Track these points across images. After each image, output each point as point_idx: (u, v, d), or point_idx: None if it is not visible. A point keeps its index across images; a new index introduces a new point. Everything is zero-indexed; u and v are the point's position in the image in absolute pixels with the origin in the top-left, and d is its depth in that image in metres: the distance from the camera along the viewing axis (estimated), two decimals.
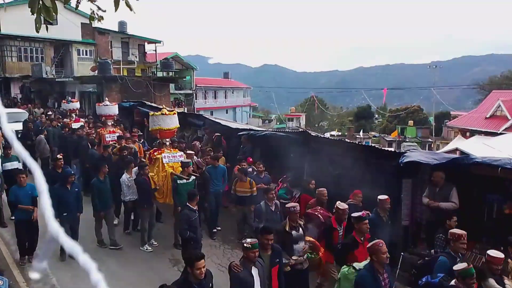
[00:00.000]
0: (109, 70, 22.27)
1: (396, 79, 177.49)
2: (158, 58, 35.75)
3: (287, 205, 6.04)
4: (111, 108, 12.72)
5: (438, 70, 52.89)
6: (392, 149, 14.78)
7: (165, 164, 8.63)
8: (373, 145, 12.36)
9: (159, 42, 35.44)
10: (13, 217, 7.93)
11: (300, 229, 5.78)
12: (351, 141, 11.88)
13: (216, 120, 14.17)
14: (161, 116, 8.78)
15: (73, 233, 7.44)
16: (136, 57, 34.45)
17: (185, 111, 28.30)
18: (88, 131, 12.98)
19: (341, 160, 9.01)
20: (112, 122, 12.95)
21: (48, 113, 18.70)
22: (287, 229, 5.66)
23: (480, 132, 28.97)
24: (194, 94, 42.92)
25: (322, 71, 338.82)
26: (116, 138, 11.61)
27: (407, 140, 48.18)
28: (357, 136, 50.62)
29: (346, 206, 6.18)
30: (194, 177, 8.38)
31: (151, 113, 9.14)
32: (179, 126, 9.39)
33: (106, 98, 13.44)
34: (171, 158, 8.80)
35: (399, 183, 7.63)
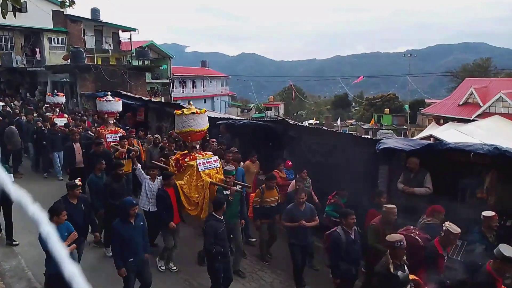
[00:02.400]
0: (82, 59, 21.65)
1: (373, 68, 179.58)
2: (133, 46, 34.94)
3: (388, 238, 4.69)
4: (114, 104, 10.95)
5: (413, 59, 53.78)
6: (369, 137, 15.01)
7: (201, 172, 7.13)
8: (350, 132, 12.51)
9: (134, 30, 34.64)
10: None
11: (406, 268, 4.56)
12: (329, 129, 11.96)
13: None
14: (191, 115, 7.21)
15: (144, 285, 5.84)
16: (110, 45, 33.57)
17: (162, 101, 27.86)
18: (73, 128, 11.74)
19: (319, 148, 9.15)
20: (114, 121, 11.32)
21: (15, 103, 18.01)
22: (391, 270, 4.42)
23: (453, 119, 29.76)
24: (171, 84, 42.24)
25: (300, 59, 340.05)
26: (118, 139, 10.29)
27: (383, 128, 49.11)
28: (335, 124, 51.21)
29: (459, 230, 5.02)
30: (239, 187, 7.03)
31: (178, 112, 7.37)
32: (209, 125, 7.76)
33: (109, 93, 11.60)
34: (207, 164, 7.30)
35: (376, 169, 7.77)
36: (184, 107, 8.55)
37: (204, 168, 7.21)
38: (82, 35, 30.47)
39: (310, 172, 8.20)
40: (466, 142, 7.43)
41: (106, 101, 10.86)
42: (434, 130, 25.15)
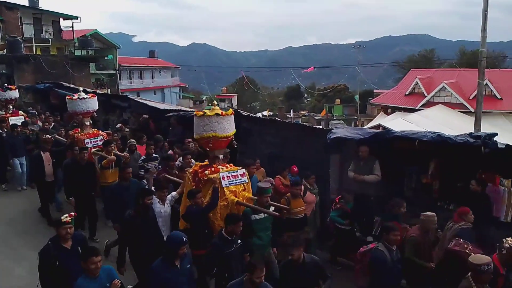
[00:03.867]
0: (20, 49, 20.34)
1: (324, 59, 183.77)
2: (76, 35, 33.17)
3: (473, 260, 4.12)
4: (89, 102, 9.22)
5: (362, 50, 55.47)
6: (321, 127, 15.29)
7: (225, 189, 5.81)
8: (303, 123, 12.62)
9: (76, 18, 32.83)
10: None
11: None
12: (282, 120, 12.00)
13: (143, 101, 13.53)
14: (215, 117, 5.81)
15: None
16: (50, 34, 31.65)
17: (108, 92, 26.76)
18: (47, 136, 9.23)
19: (273, 139, 9.15)
20: (91, 121, 9.65)
21: None
22: None
23: (400, 109, 31.09)
24: (118, 75, 40.67)
25: (252, 50, 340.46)
26: (101, 144, 8.79)
27: (334, 118, 50.44)
28: (288, 115, 51.93)
29: None
30: (272, 209, 5.71)
31: (199, 113, 6.03)
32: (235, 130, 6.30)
33: (81, 88, 10.04)
34: (232, 179, 5.93)
35: (327, 158, 7.87)
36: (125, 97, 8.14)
37: (229, 184, 5.85)
38: (19, 24, 28.47)
39: (264, 164, 8.17)
40: (411, 130, 7.68)
41: (80, 99, 9.12)
42: (382, 120, 26.16)
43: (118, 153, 8.35)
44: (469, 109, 26.20)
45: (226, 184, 5.83)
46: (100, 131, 9.71)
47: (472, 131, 7.98)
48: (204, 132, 5.85)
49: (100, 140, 8.99)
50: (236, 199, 5.76)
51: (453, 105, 27.63)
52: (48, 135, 9.27)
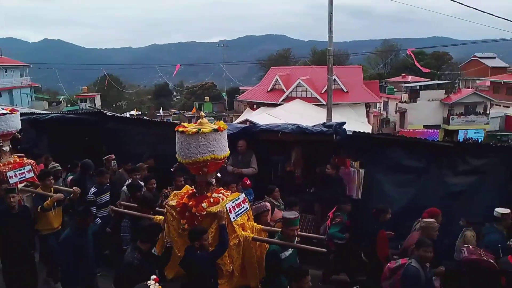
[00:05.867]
0: None
1: (190, 57, 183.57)
2: None
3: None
4: (9, 119, 6.64)
5: (226, 48, 57.17)
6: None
7: (233, 224, 4.72)
8: (174, 121, 12.48)
9: None
10: None
11: None
12: (151, 119, 11.69)
13: None
14: (213, 134, 4.66)
15: None
16: None
17: None
18: None
19: (144, 139, 8.88)
20: (10, 146, 6.99)
21: None
22: None
23: (264, 104, 33.05)
24: None
25: (114, 47, 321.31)
26: (29, 176, 6.65)
27: (205, 116, 50.89)
28: (158, 114, 50.62)
29: None
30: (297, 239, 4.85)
31: (188, 129, 4.67)
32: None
33: None
34: (237, 209, 4.85)
35: None
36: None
37: (236, 216, 4.77)
38: None
39: (135, 163, 7.86)
40: (275, 123, 8.29)
41: None
42: (249, 115, 27.45)
43: (63, 188, 6.50)
44: (321, 102, 29.23)
45: (234, 218, 4.71)
46: (24, 158, 7.14)
47: (325, 121, 8.97)
48: (200, 155, 4.57)
49: (28, 171, 6.72)
50: (252, 234, 4.73)
51: (309, 99, 30.54)
52: None
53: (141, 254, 4.23)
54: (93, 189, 6.48)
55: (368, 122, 30.74)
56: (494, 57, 57.53)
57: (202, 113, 5.10)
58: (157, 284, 3.55)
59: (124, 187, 6.62)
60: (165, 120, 39.88)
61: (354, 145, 7.13)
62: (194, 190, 4.93)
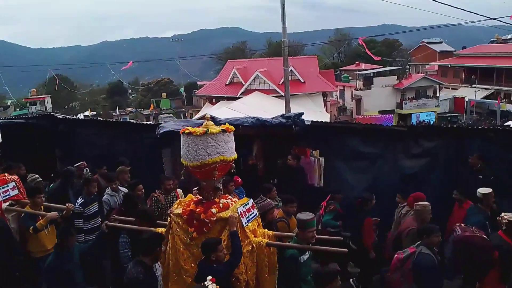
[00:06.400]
0: None
1: (143, 53, 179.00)
2: None
3: None
4: None
5: (180, 43, 56.28)
6: (150, 122, 15.03)
7: (245, 229, 4.42)
8: (129, 121, 12.19)
9: None
10: None
11: None
12: (105, 120, 11.34)
13: None
14: (221, 135, 4.38)
15: None
16: None
17: None
18: None
19: (98, 140, 8.63)
20: None
21: None
22: None
23: (223, 98, 32.85)
24: None
25: (63, 46, 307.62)
26: (14, 194, 5.90)
27: (163, 112, 50.05)
28: (114, 113, 49.09)
29: None
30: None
31: (195, 130, 4.35)
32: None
33: None
34: (247, 214, 4.53)
35: (159, 153, 7.84)
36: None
37: (248, 222, 4.51)
38: None
39: (90, 165, 7.62)
40: (235, 117, 8.27)
41: None
42: (209, 109, 27.16)
43: (54, 205, 5.74)
44: (280, 93, 29.47)
45: (246, 223, 4.43)
46: (6, 174, 6.31)
47: (284, 113, 9.06)
48: (209, 156, 4.28)
49: (12, 189, 5.95)
50: (265, 240, 4.50)
51: (267, 91, 30.66)
52: None
53: (145, 268, 4.01)
54: (80, 200, 5.97)
55: (326, 111, 31.34)
56: (441, 42, 60.43)
57: (208, 115, 4.69)
58: (214, 284, 3.53)
59: (107, 197, 6.20)
60: (121, 120, 38.83)
61: (313, 134, 7.27)
62: (200, 197, 4.61)
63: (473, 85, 38.39)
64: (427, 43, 59.34)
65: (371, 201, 5.97)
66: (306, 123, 7.22)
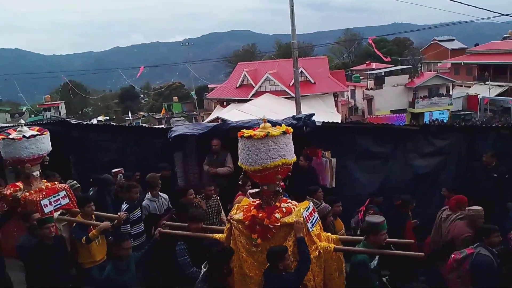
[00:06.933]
0: None
1: (154, 57, 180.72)
2: None
3: None
4: (40, 141, 5.89)
5: (190, 47, 56.59)
6: (162, 126, 15.17)
7: (311, 234, 4.28)
8: (142, 125, 12.33)
9: None
10: None
11: None
12: (119, 124, 11.48)
13: None
14: (282, 137, 4.22)
15: None
16: None
17: None
18: None
19: (110, 145, 8.72)
20: (39, 171, 6.18)
21: None
22: None
23: (234, 101, 32.95)
24: None
25: (75, 53, 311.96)
26: (65, 203, 5.94)
27: (175, 116, 50.43)
28: (126, 118, 49.66)
29: None
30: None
31: (258, 133, 4.18)
32: None
33: (22, 121, 6.44)
34: (311, 218, 4.41)
35: (171, 157, 7.91)
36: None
37: (312, 226, 4.35)
38: None
39: (107, 172, 7.71)
40: (245, 119, 8.31)
41: (27, 138, 5.68)
42: (220, 112, 27.28)
43: (105, 214, 5.69)
44: (290, 94, 29.41)
45: (311, 228, 4.26)
46: (57, 182, 6.37)
47: (295, 114, 9.06)
48: (270, 160, 4.09)
49: (63, 197, 5.95)
50: (332, 245, 4.32)
51: (278, 93, 30.67)
52: None
53: (212, 285, 3.82)
54: (124, 205, 5.86)
55: (337, 111, 31.21)
56: (453, 40, 59.63)
57: (265, 117, 4.50)
58: None
59: (146, 202, 6.13)
60: (134, 124, 39.23)
61: (324, 135, 7.25)
62: (259, 201, 4.43)
63: (487, 82, 37.79)
64: (438, 41, 58.57)
65: (411, 203, 5.86)
66: (317, 123, 7.22)
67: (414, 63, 46.59)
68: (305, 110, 11.99)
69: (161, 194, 6.35)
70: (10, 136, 5.70)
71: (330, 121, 7.75)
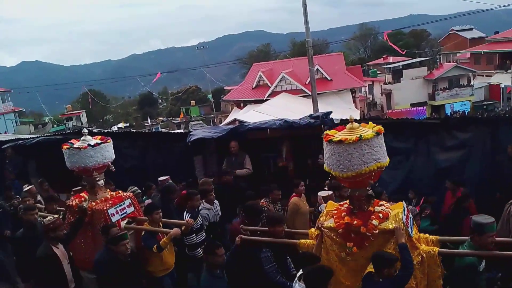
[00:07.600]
0: None
1: (171, 63, 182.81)
2: None
3: None
4: (104, 149, 5.79)
5: (205, 50, 56.94)
6: (181, 131, 15.32)
7: (412, 238, 4.10)
8: (161, 130, 12.46)
9: None
10: None
11: None
12: (137, 131, 11.64)
13: None
14: (375, 139, 3.92)
15: None
16: None
17: None
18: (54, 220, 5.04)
19: (131, 152, 8.85)
20: (104, 179, 6.10)
21: None
22: None
23: (250, 102, 33.00)
24: None
25: (94, 62, 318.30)
26: (130, 212, 5.85)
27: (193, 120, 50.88)
28: (146, 124, 50.38)
29: None
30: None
31: (350, 137, 3.85)
32: None
33: (85, 130, 6.20)
34: (408, 221, 4.18)
35: (191, 160, 7.98)
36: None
37: (411, 230, 4.08)
38: None
39: (127, 179, 7.83)
40: (262, 120, 8.32)
41: (92, 146, 5.60)
42: (237, 114, 27.37)
43: (172, 220, 5.58)
44: (307, 92, 29.27)
45: (411, 232, 3.98)
46: (120, 190, 6.31)
47: (312, 113, 9.01)
48: (365, 165, 3.78)
49: (128, 206, 5.84)
50: (436, 248, 4.02)
51: (294, 91, 30.54)
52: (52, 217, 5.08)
53: None
54: (186, 214, 5.70)
55: (356, 107, 30.88)
56: (471, 29, 58.15)
57: (352, 117, 4.19)
58: None
59: (205, 212, 5.99)
60: (153, 129, 39.72)
61: None
62: (348, 204, 4.17)
63: (509, 71, 36.70)
64: (456, 31, 57.22)
65: (470, 199, 5.52)
66: (335, 121, 7.16)
67: (433, 54, 45.63)
68: (323, 108, 11.92)
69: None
70: (75, 146, 5.62)
71: (348, 118, 7.65)
